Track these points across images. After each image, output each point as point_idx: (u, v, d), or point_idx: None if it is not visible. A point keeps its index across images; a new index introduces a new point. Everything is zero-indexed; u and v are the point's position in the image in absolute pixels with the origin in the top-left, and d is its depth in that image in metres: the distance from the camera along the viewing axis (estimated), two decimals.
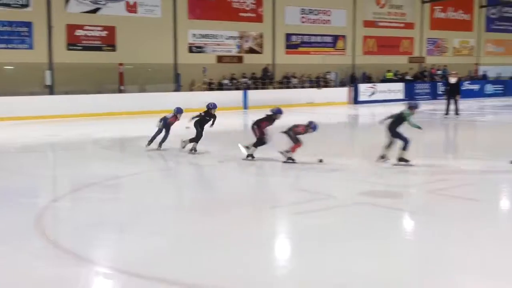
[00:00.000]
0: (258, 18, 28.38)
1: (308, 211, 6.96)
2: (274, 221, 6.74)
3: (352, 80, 30.77)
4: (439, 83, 33.18)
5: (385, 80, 31.81)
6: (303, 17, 29.87)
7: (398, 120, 9.81)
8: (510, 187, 8.64)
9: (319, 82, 29.48)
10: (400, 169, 9.64)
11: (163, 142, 11.92)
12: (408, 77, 32.75)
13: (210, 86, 25.86)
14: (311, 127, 10.28)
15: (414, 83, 32.60)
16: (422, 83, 33.03)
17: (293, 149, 10.19)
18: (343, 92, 29.14)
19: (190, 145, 11.56)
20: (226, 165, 10.59)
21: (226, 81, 26.57)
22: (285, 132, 10.23)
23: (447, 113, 19.98)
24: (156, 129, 11.96)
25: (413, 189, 8.51)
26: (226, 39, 27.46)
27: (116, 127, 18.01)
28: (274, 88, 27.62)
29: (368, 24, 32.37)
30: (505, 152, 11.44)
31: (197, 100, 19.65)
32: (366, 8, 32.20)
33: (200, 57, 26.50)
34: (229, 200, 7.73)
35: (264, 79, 27.71)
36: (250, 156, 10.54)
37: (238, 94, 25.43)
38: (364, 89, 29.74)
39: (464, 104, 29.04)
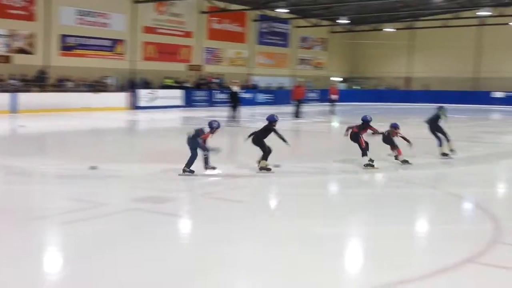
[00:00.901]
0: (30, 17, 26.46)
1: (78, 220, 6.60)
2: (40, 232, 6.25)
3: (131, 85, 30.43)
4: (216, 91, 34.62)
5: (165, 87, 32.11)
6: (80, 18, 28.65)
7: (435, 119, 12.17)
8: (273, 188, 9.25)
9: (97, 86, 28.55)
10: (173, 175, 9.73)
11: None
12: (187, 85, 33.52)
13: None
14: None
15: (192, 91, 33.51)
16: (200, 90, 34.10)
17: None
18: (122, 97, 28.66)
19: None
20: None
21: None
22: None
23: (232, 119, 20.82)
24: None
25: (185, 193, 8.63)
26: None
27: None
28: (48, 91, 25.99)
29: (148, 30, 32.36)
30: (273, 156, 12.29)
31: None
32: (146, 14, 32.16)
33: None
34: None
35: (38, 82, 25.92)
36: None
37: (4, 96, 23.38)
38: (143, 94, 29.63)
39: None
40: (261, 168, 10.00)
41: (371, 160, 10.47)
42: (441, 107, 12.50)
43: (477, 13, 39.49)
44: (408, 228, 6.62)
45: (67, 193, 8.19)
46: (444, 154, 11.95)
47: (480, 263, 5.21)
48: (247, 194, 8.50)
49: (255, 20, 40.05)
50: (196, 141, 9.53)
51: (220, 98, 34.50)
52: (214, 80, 35.75)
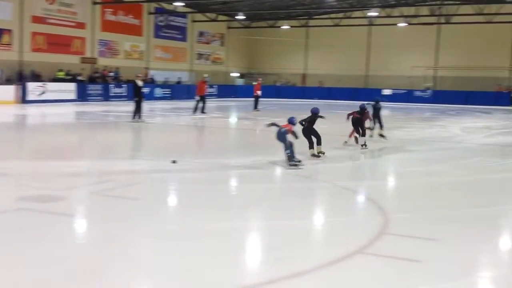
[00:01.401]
0: None
1: None
2: None
3: (20, 78, 28.84)
4: (111, 85, 33.69)
5: (56, 80, 30.75)
6: None
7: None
8: (170, 185, 9.17)
9: None
10: (66, 171, 9.36)
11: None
12: (80, 78, 32.33)
13: None
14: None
15: (87, 84, 32.38)
16: (95, 84, 33.02)
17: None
18: (9, 91, 27.12)
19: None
20: None
21: None
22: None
23: (134, 117, 19.95)
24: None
25: (77, 191, 8.31)
26: None
27: None
28: None
29: (37, 20, 30.80)
30: (169, 152, 12.20)
31: None
32: (34, 3, 30.58)
33: None
34: None
35: None
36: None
37: None
38: (33, 88, 28.21)
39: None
40: (314, 155, 11.36)
41: (365, 144, 13.19)
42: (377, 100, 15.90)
43: (367, 14, 41.48)
44: (302, 222, 6.82)
45: None
46: (381, 136, 15.35)
47: (369, 253, 5.48)
48: (142, 191, 8.35)
49: (151, 13, 39.38)
50: (284, 136, 10.46)
51: (116, 93, 33.63)
52: (110, 74, 34.76)
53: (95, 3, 34.46)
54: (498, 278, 5.06)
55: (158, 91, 37.38)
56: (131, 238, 5.89)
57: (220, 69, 47.66)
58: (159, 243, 5.74)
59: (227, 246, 5.69)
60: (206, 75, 27.84)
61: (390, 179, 10.54)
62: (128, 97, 30.15)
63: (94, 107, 26.93)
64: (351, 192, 8.72)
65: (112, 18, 36.18)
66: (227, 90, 44.27)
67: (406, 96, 39.67)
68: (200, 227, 6.35)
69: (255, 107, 27.89)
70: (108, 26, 35.81)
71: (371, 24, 44.81)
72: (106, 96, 32.88)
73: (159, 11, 39.68)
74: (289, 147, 10.34)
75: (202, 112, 23.82)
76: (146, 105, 29.54)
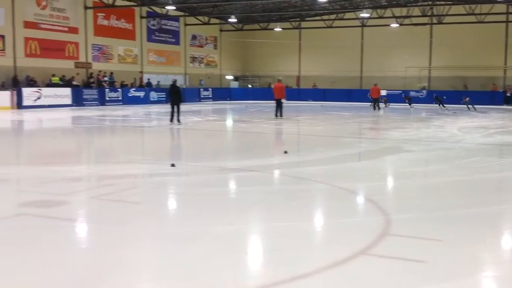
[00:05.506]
0: None
1: None
2: None
3: (14, 83, 28.77)
4: (106, 89, 33.66)
5: (51, 85, 30.70)
6: None
7: None
8: (170, 188, 9.16)
9: None
10: (65, 176, 9.35)
11: None
12: (75, 83, 32.28)
13: None
14: None
15: (82, 89, 32.34)
16: (90, 88, 32.99)
17: None
18: (5, 96, 27.08)
19: None
20: None
21: None
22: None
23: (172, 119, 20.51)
24: None
25: (76, 196, 8.29)
26: None
27: None
28: None
29: (30, 25, 30.74)
30: (168, 155, 12.20)
31: None
32: (26, 8, 30.52)
33: None
34: None
35: None
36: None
37: None
38: (28, 93, 28.16)
39: (131, 110, 30.13)
40: None
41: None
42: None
43: (360, 15, 41.61)
44: (303, 223, 6.82)
45: None
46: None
47: (372, 254, 5.49)
48: (142, 195, 8.34)
49: (144, 17, 39.35)
50: None
51: (111, 97, 33.62)
52: (104, 78, 34.72)
53: (87, 7, 34.40)
54: (502, 277, 5.08)
55: (154, 95, 37.36)
56: (132, 242, 5.88)
57: (214, 72, 47.66)
58: (160, 247, 5.73)
59: (229, 249, 5.68)
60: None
61: (389, 180, 10.56)
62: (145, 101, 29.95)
63: (90, 112, 26.87)
64: (351, 193, 8.73)
65: (104, 22, 36.15)
66: (222, 93, 44.30)
67: (401, 97, 39.73)
68: (201, 230, 6.35)
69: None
70: (101, 31, 35.77)
71: (363, 25, 44.96)
72: (102, 101, 32.85)
73: (151, 15, 39.67)
74: None
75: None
76: (141, 109, 29.54)
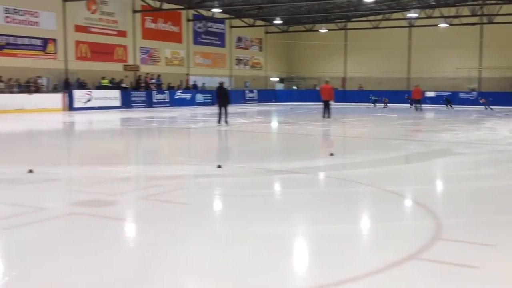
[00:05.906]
0: None
1: (19, 225, 6.37)
2: None
3: (66, 86, 29.60)
4: (154, 92, 34.22)
5: (100, 87, 31.45)
6: (7, 16, 27.62)
7: None
8: (216, 189, 9.23)
9: (30, 87, 27.61)
10: (115, 176, 9.54)
11: None
12: (123, 85, 32.96)
13: None
14: None
15: (130, 91, 32.98)
16: (138, 91, 33.61)
17: None
18: (57, 98, 27.89)
19: None
20: None
21: None
22: None
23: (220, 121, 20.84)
24: None
25: (126, 196, 8.45)
26: None
27: None
28: None
29: (80, 29, 31.58)
30: (215, 157, 12.30)
31: None
32: (77, 13, 31.37)
33: None
34: None
35: None
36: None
37: None
38: (79, 95, 28.91)
39: (178, 111, 30.53)
40: None
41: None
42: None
43: (407, 15, 40.93)
44: (349, 226, 6.74)
45: (5, 198, 7.88)
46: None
47: (422, 259, 5.38)
48: (189, 196, 8.43)
49: (190, 20, 39.82)
50: None
51: (158, 99, 34.16)
52: (152, 81, 35.33)
53: (135, 11, 35.08)
54: None
55: (200, 97, 37.73)
56: (180, 242, 5.95)
57: (259, 73, 47.80)
58: (208, 247, 5.77)
59: (275, 251, 5.67)
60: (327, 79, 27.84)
61: (439, 183, 10.33)
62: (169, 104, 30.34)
63: (138, 114, 27.38)
64: (399, 196, 8.58)
65: (152, 26, 36.78)
66: (267, 95, 44.37)
67: (451, 98, 38.85)
68: (247, 231, 6.36)
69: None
70: (148, 34, 36.41)
71: (411, 26, 44.19)
72: (149, 103, 33.43)
73: (198, 18, 40.10)
74: None
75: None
76: (188, 111, 29.87)
